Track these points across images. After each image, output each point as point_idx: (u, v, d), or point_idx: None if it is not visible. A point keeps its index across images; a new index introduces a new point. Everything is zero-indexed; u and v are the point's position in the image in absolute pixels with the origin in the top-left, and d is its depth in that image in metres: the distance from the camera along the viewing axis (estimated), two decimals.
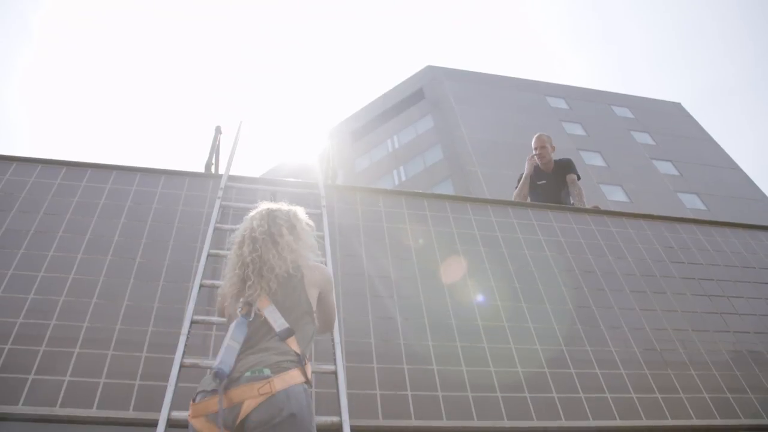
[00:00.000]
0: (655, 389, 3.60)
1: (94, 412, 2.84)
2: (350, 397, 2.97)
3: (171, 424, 2.45)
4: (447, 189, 26.95)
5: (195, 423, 2.04)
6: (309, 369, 2.18)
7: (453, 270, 4.09)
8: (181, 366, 2.71)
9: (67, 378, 2.95)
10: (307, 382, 2.14)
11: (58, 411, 2.81)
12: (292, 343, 2.19)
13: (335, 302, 2.63)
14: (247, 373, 2.04)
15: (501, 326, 3.75)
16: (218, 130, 5.62)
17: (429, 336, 3.58)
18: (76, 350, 3.08)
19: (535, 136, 6.37)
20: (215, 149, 5.48)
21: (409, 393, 3.23)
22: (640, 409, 3.46)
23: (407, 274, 3.98)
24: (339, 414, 2.59)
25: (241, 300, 2.28)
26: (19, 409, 2.79)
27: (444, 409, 3.20)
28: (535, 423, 3.25)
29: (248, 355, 2.13)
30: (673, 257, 4.74)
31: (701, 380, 3.74)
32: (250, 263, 2.33)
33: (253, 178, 4.55)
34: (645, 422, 3.40)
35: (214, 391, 2.04)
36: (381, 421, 3.07)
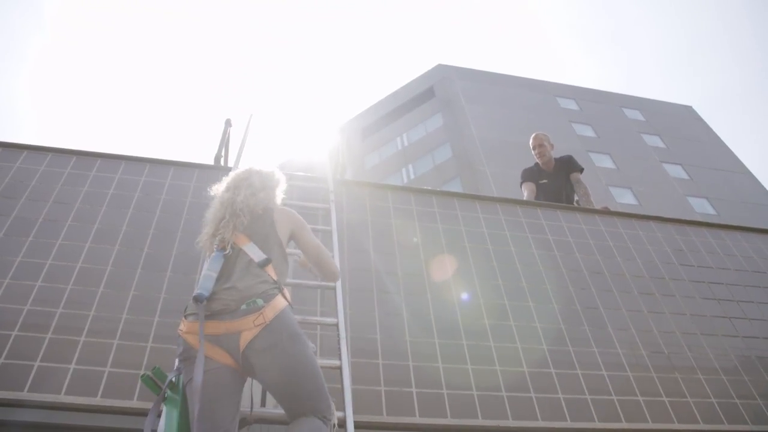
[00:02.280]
0: (662, 393, 3.57)
1: (98, 400, 2.84)
2: (355, 392, 2.96)
3: None
4: (456, 188, 26.88)
5: (189, 338, 2.26)
6: (287, 293, 2.45)
7: (460, 268, 4.07)
8: None
9: (73, 366, 2.95)
10: (289, 304, 2.39)
11: (63, 398, 2.82)
12: (270, 271, 2.42)
13: (316, 243, 2.74)
14: (243, 306, 2.25)
15: (508, 325, 3.73)
16: (228, 123, 5.60)
17: (435, 333, 3.56)
18: (82, 339, 3.08)
19: (533, 136, 6.33)
20: (225, 142, 5.47)
21: (414, 390, 3.22)
22: (646, 412, 3.43)
23: (415, 270, 3.97)
24: (343, 409, 2.58)
25: (217, 237, 2.52)
26: (25, 395, 2.80)
27: (448, 406, 3.18)
28: (540, 423, 3.23)
29: (231, 281, 2.35)
30: (683, 260, 4.71)
31: (709, 385, 3.71)
32: (227, 203, 2.62)
33: None
34: (651, 425, 3.37)
35: (206, 317, 2.25)
36: (385, 417, 3.06)
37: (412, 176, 30.73)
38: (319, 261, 2.73)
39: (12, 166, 4.07)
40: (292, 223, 2.68)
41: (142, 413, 2.82)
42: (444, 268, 4.04)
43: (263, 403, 2.82)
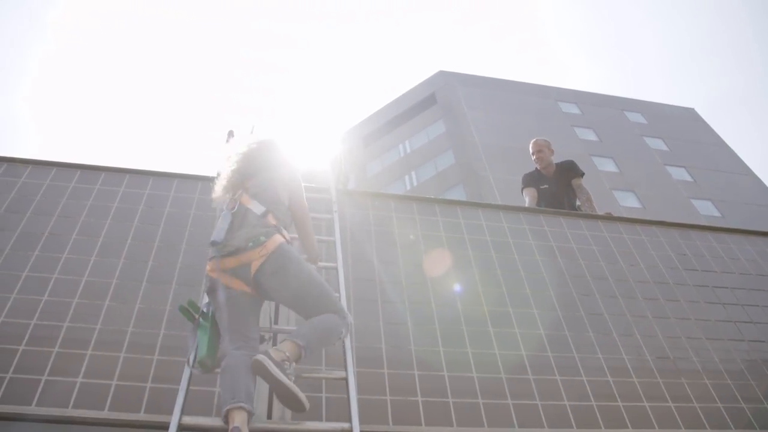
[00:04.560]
0: (668, 398, 3.57)
1: (105, 413, 2.85)
2: (360, 402, 2.96)
3: (182, 428, 2.45)
4: (458, 194, 26.91)
5: (213, 275, 2.81)
6: (286, 234, 2.95)
7: (464, 276, 4.08)
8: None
9: (80, 379, 2.96)
10: (287, 241, 2.90)
11: (71, 412, 2.83)
12: (271, 220, 2.91)
13: (306, 205, 3.24)
14: (250, 244, 2.78)
15: (512, 332, 3.73)
16: (231, 134, 5.62)
17: (440, 342, 3.57)
18: (89, 352, 3.10)
19: (532, 141, 6.33)
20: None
21: (420, 399, 3.23)
22: (652, 417, 3.43)
23: (418, 279, 3.98)
24: (349, 420, 2.58)
25: (229, 197, 3.00)
26: (33, 409, 2.81)
27: (454, 415, 3.19)
28: (546, 431, 3.23)
29: (240, 230, 2.83)
30: (687, 264, 4.71)
31: (715, 389, 3.71)
32: (235, 163, 3.10)
33: None
34: (658, 431, 3.37)
35: (223, 255, 2.80)
36: (391, 427, 3.06)
37: (415, 183, 30.75)
38: (299, 221, 3.20)
39: (17, 181, 4.10)
40: (290, 186, 3.16)
41: (150, 426, 2.83)
42: (448, 277, 4.05)
43: (276, 321, 3.43)
